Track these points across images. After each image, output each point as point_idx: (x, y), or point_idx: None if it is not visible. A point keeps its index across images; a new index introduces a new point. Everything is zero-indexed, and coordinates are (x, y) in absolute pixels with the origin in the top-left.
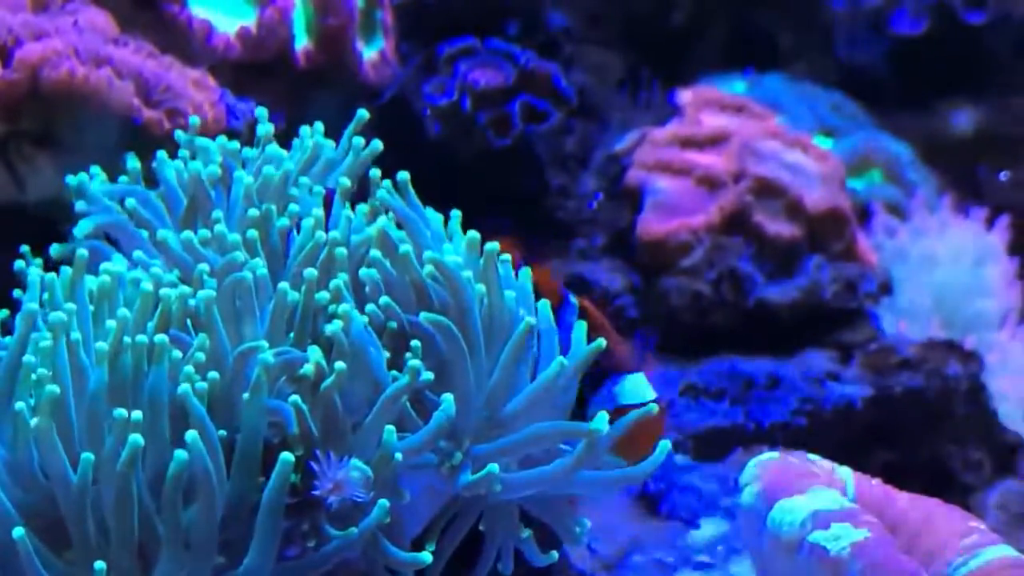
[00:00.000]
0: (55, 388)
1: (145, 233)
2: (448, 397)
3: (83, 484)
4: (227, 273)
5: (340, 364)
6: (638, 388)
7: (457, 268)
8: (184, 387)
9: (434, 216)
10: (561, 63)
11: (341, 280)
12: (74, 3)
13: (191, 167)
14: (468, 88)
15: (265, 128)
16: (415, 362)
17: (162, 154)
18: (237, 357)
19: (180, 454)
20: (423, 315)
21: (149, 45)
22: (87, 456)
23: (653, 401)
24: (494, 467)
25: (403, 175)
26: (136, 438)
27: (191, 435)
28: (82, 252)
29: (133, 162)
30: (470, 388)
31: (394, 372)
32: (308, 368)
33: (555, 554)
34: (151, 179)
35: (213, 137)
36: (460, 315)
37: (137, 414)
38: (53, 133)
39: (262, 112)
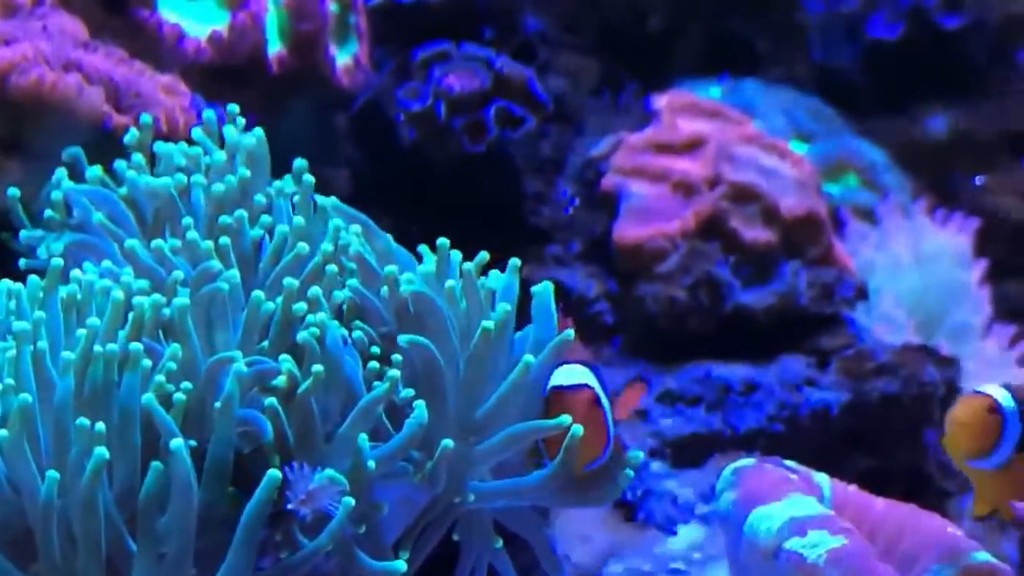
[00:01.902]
0: (26, 398)
1: (114, 246)
2: (420, 404)
3: (48, 499)
4: (201, 282)
5: (318, 367)
6: (574, 373)
7: (431, 292)
8: (148, 396)
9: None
10: (537, 68)
11: (319, 291)
12: (43, 8)
13: (157, 182)
14: (443, 93)
15: (198, 133)
16: (394, 372)
17: (121, 165)
18: (210, 367)
19: (156, 465)
20: (401, 337)
21: (119, 50)
22: (52, 474)
23: (586, 386)
24: (447, 442)
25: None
26: (101, 451)
27: (176, 443)
28: (57, 261)
29: (93, 171)
30: (446, 400)
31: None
32: (280, 379)
33: None
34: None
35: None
36: (435, 332)
37: (100, 425)
38: (22, 139)
39: (209, 115)
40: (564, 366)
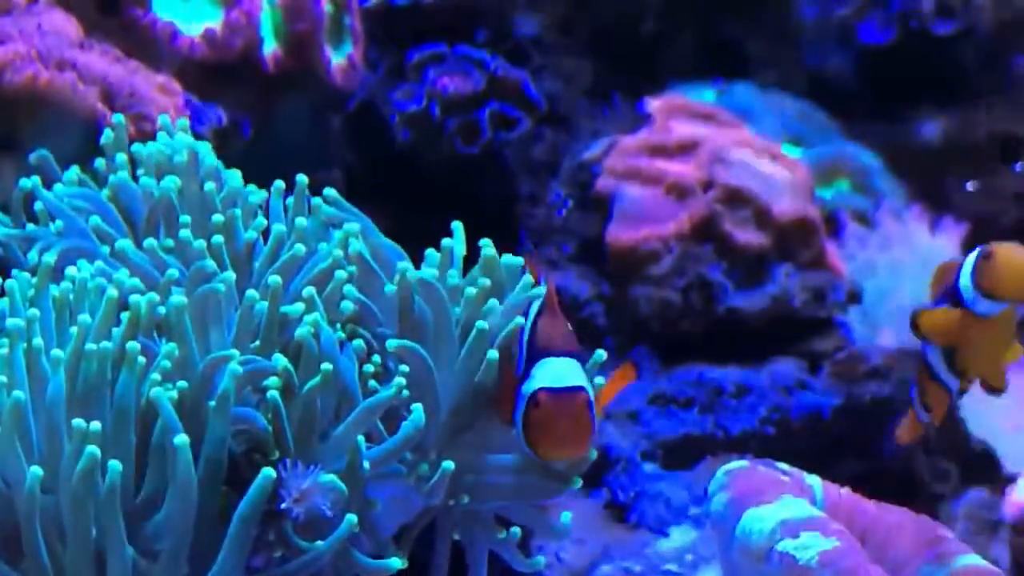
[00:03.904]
0: (19, 395)
1: (105, 249)
2: (417, 407)
3: (31, 495)
4: (196, 281)
5: (327, 365)
6: (559, 372)
7: (437, 281)
8: (157, 391)
9: None
10: (531, 70)
11: (312, 291)
12: (38, 6)
13: (151, 184)
14: (437, 95)
15: (164, 137)
16: (400, 379)
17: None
18: (205, 366)
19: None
20: (389, 342)
21: (114, 49)
22: (35, 470)
23: (576, 389)
24: (448, 464)
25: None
26: (93, 449)
27: (180, 439)
28: (48, 260)
29: (70, 173)
30: (437, 403)
31: (372, 383)
32: (274, 379)
33: (541, 559)
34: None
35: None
36: (437, 329)
37: (95, 425)
38: (16, 137)
39: (164, 120)
40: (551, 359)
